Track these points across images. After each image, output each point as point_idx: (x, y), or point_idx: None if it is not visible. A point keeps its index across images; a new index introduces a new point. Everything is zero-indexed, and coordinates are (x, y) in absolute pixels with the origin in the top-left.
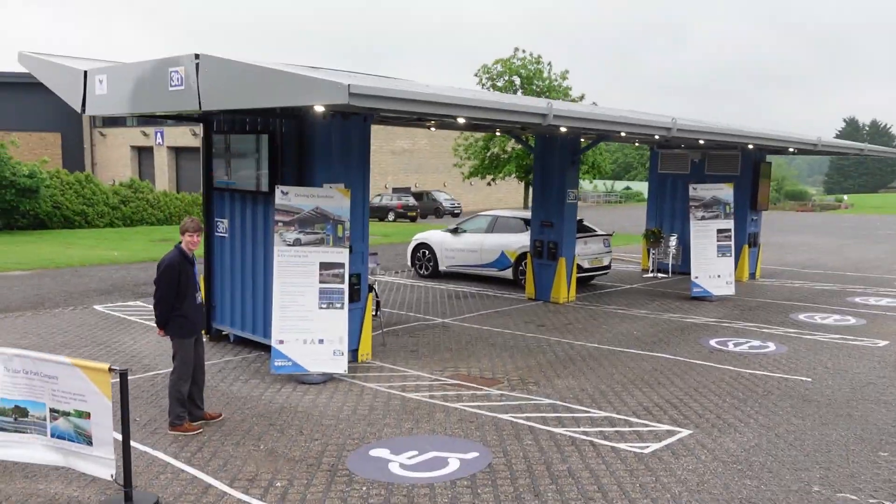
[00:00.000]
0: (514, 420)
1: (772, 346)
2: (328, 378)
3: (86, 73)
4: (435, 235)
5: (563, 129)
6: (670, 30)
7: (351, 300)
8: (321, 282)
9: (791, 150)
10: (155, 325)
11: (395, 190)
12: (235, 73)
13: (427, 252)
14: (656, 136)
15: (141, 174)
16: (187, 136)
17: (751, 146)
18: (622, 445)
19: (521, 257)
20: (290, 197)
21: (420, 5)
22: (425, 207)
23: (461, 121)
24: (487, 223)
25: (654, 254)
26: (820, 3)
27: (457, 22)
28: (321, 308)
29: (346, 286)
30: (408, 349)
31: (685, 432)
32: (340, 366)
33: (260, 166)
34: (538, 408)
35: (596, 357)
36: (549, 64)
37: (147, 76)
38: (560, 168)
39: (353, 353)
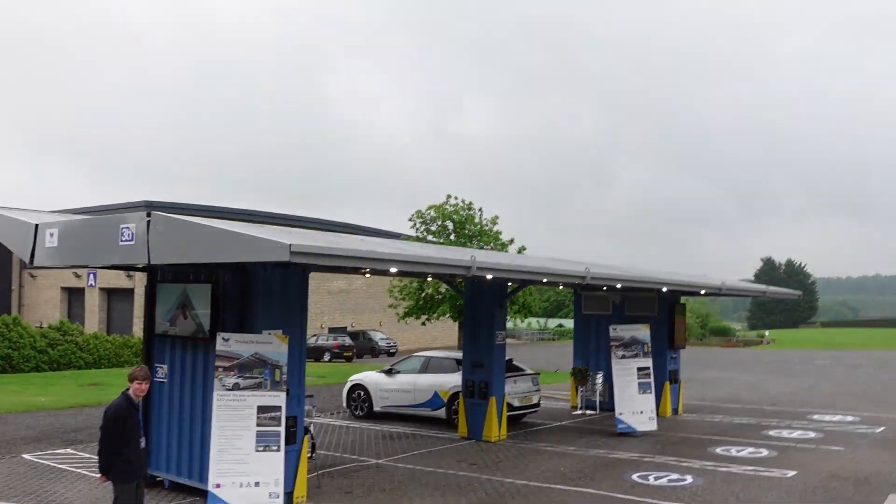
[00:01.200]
0: None
1: (689, 479)
2: None
3: (37, 226)
4: (370, 376)
5: (489, 277)
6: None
7: (287, 442)
8: (258, 425)
9: (701, 292)
10: (98, 470)
11: (331, 329)
12: (185, 230)
13: (362, 393)
14: (574, 282)
15: (71, 316)
16: (121, 277)
17: (664, 289)
18: None
19: (454, 397)
20: (231, 343)
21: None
22: (361, 347)
23: (393, 270)
24: (421, 363)
25: (581, 391)
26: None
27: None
28: (258, 451)
29: (282, 429)
30: (342, 490)
31: None
32: None
33: (201, 313)
34: None
35: (524, 494)
36: (480, 210)
37: (98, 231)
38: (489, 311)
39: (289, 495)
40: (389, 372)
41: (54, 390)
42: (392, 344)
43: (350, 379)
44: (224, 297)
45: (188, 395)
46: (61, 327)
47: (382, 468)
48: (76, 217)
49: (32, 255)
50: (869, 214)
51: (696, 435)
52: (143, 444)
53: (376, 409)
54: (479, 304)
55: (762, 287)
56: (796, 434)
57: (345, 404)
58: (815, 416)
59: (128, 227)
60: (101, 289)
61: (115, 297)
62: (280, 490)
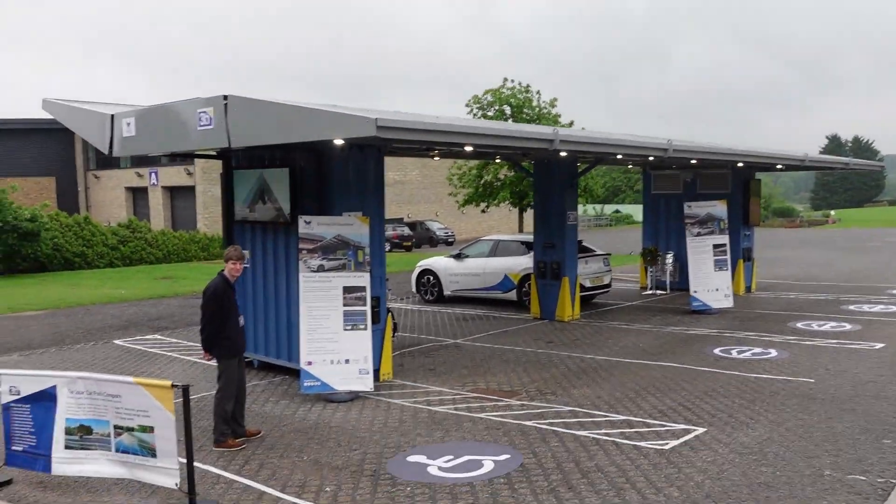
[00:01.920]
0: (538, 426)
1: (773, 353)
2: (355, 396)
3: (113, 116)
4: (439, 262)
5: (563, 154)
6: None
7: (372, 322)
8: (345, 305)
9: (779, 166)
10: (202, 348)
11: (388, 221)
12: (263, 111)
13: (431, 278)
14: (651, 157)
15: (136, 214)
16: (181, 175)
17: (741, 164)
18: (643, 444)
19: (524, 279)
20: (313, 226)
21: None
22: (419, 237)
23: (469, 149)
24: (489, 248)
25: (651, 272)
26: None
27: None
28: (346, 330)
29: (368, 308)
30: (426, 368)
31: (700, 430)
32: (367, 384)
33: (281, 198)
34: (559, 414)
35: (606, 368)
36: (538, 92)
37: (175, 117)
38: (559, 191)
39: (375, 372)
40: (458, 257)
41: (130, 283)
42: (450, 233)
43: (419, 265)
44: (301, 181)
45: (271, 279)
46: (130, 225)
47: (461, 347)
48: (150, 106)
49: (111, 146)
50: None
51: (774, 311)
52: (241, 321)
53: (446, 293)
54: (550, 185)
55: (844, 159)
56: (878, 308)
57: (414, 289)
58: (894, 291)
59: (205, 112)
60: (163, 187)
61: (178, 195)
62: (369, 367)
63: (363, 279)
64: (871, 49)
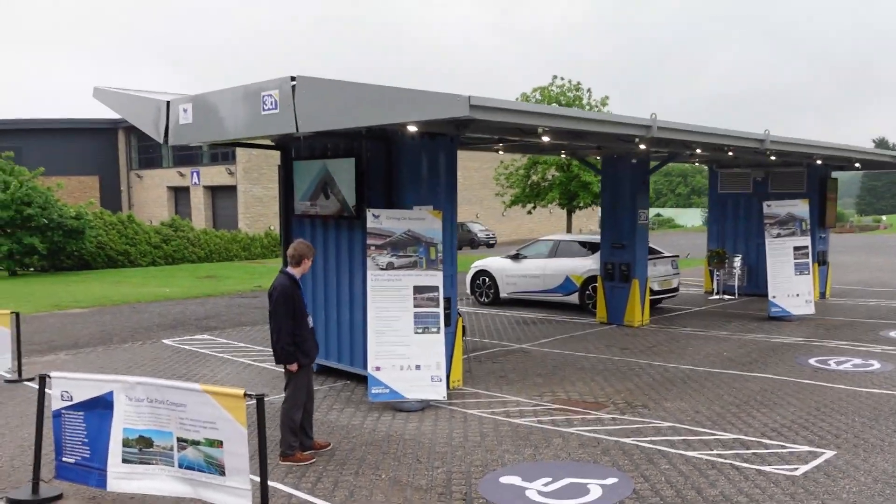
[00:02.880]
0: (639, 444)
1: (876, 364)
2: (426, 405)
3: (168, 103)
4: (495, 262)
5: (641, 147)
6: (681, 61)
7: (445, 324)
8: (416, 306)
9: (857, 164)
10: (279, 361)
11: None
12: (335, 92)
13: (487, 279)
14: (746, 147)
15: (178, 213)
16: (223, 175)
17: (819, 161)
18: (768, 468)
19: (588, 281)
20: (382, 220)
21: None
22: (460, 239)
23: (546, 139)
24: (549, 248)
25: (718, 275)
26: (836, 30)
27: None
28: (417, 333)
29: (441, 310)
30: (496, 374)
31: (829, 453)
32: (439, 392)
33: (345, 191)
34: (659, 431)
35: (695, 379)
36: (589, 90)
37: (236, 102)
38: (630, 189)
39: (445, 379)
40: (516, 257)
41: (174, 282)
42: (491, 235)
43: (474, 265)
44: (368, 172)
45: (333, 277)
46: (172, 224)
47: (528, 353)
48: (208, 91)
49: (166, 134)
50: None
51: (858, 319)
52: (310, 322)
53: (502, 295)
54: (620, 182)
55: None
56: None
57: (469, 291)
58: None
59: (270, 95)
60: (204, 187)
61: (219, 195)
62: (442, 373)
63: (436, 278)
64: None
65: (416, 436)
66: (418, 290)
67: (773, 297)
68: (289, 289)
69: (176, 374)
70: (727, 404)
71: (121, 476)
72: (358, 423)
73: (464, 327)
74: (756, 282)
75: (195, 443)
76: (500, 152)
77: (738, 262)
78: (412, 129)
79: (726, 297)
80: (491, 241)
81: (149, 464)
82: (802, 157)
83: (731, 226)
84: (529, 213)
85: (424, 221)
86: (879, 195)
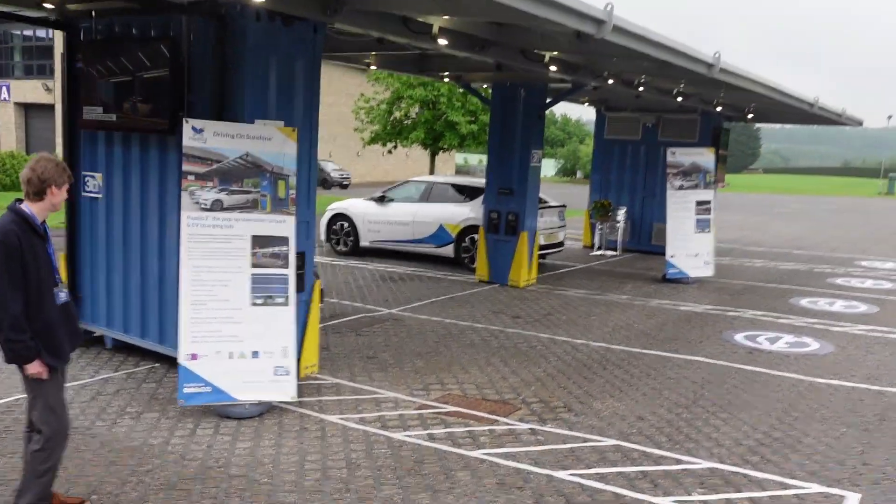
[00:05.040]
0: (585, 482)
1: (813, 344)
2: (266, 409)
3: None
4: (356, 205)
5: (552, 69)
6: None
7: (295, 290)
8: (255, 265)
9: (750, 115)
10: (7, 360)
11: None
12: None
13: (346, 224)
14: (692, 71)
15: None
16: (39, 91)
17: (719, 108)
18: None
19: (465, 232)
20: (207, 137)
21: None
22: None
23: (444, 42)
24: (421, 191)
25: (600, 229)
26: None
27: None
28: (255, 304)
29: (292, 270)
30: (363, 354)
31: (852, 497)
32: (286, 390)
33: (156, 92)
34: (602, 455)
35: (615, 363)
36: None
37: None
38: (524, 124)
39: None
40: (381, 200)
41: None
42: (345, 175)
43: (330, 208)
44: (190, 65)
45: (137, 218)
46: None
47: (401, 321)
48: None
49: None
50: (811, 66)
51: (756, 282)
52: (62, 296)
53: (363, 243)
54: (512, 115)
55: (811, 100)
56: (869, 283)
57: (323, 237)
58: (866, 264)
59: None
60: (16, 104)
61: (34, 114)
62: (291, 363)
63: (285, 225)
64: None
65: (249, 467)
66: (259, 241)
67: (672, 256)
68: (13, 238)
69: None
70: (673, 406)
71: None
72: (160, 441)
73: (322, 291)
74: (639, 237)
75: None
76: (372, 67)
77: (622, 215)
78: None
79: (608, 253)
80: (345, 182)
81: None
82: (737, 100)
83: (617, 175)
84: (390, 152)
85: (271, 142)
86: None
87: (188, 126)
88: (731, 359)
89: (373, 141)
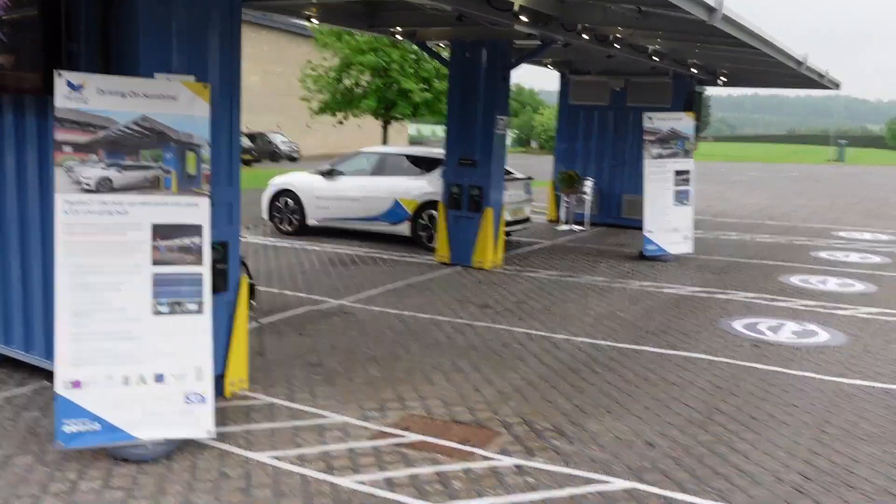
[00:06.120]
0: None
1: (822, 333)
2: (175, 446)
3: None
4: (302, 179)
5: (522, 19)
6: None
7: (214, 289)
8: (157, 261)
9: (722, 79)
10: None
11: None
12: None
13: (291, 201)
14: (692, 18)
15: None
16: None
17: (694, 71)
18: None
19: (422, 207)
20: (88, 95)
21: None
22: (260, 150)
23: None
24: (373, 164)
25: (567, 202)
26: None
27: None
28: (159, 313)
29: (205, 267)
30: (305, 360)
31: None
32: (202, 424)
33: (23, 38)
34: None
35: (605, 364)
36: None
37: None
38: (487, 86)
39: (218, 380)
40: (329, 174)
41: None
42: (295, 148)
43: (273, 183)
44: (69, 6)
45: (14, 204)
46: None
47: (353, 314)
48: None
49: None
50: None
51: (740, 259)
52: None
53: (310, 221)
54: (473, 76)
55: (800, 57)
56: (854, 257)
57: (266, 216)
58: (844, 234)
59: None
60: None
61: None
62: (206, 388)
63: (197, 211)
64: None
65: None
66: (163, 231)
67: (649, 231)
68: None
69: None
70: (686, 424)
71: None
72: (31, 493)
73: (252, 287)
74: (608, 210)
75: None
76: (314, 22)
77: (589, 186)
78: None
79: (576, 227)
80: (294, 155)
81: None
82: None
83: (583, 145)
84: (341, 122)
85: (176, 103)
86: None
87: (61, 81)
88: (737, 354)
89: (321, 111)
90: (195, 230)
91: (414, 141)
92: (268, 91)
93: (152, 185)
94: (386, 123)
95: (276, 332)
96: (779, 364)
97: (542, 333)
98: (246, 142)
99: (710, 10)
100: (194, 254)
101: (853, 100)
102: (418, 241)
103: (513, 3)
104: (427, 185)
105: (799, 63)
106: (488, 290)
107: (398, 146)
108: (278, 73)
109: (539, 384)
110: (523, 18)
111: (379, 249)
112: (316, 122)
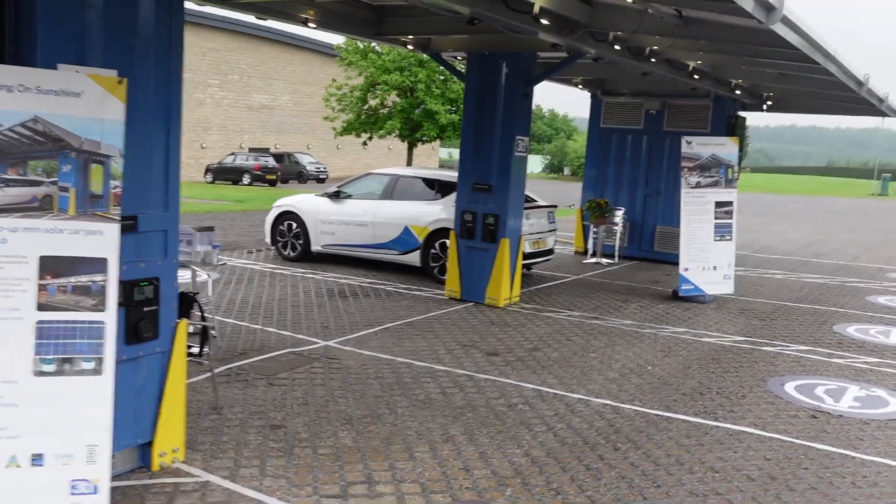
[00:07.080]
0: None
1: (892, 401)
2: None
3: None
4: (306, 202)
5: (544, 23)
6: None
7: (137, 338)
8: (44, 307)
9: (768, 103)
10: None
11: (251, 150)
12: None
13: (294, 225)
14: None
15: None
16: None
17: (738, 93)
18: None
19: (435, 236)
20: None
21: None
22: (287, 171)
23: None
24: (384, 186)
25: (595, 233)
26: None
27: None
28: (41, 373)
29: (111, 315)
30: (266, 420)
31: None
32: None
33: None
34: None
35: (629, 437)
36: None
37: None
38: (506, 104)
39: (144, 449)
40: (336, 196)
41: None
42: (322, 169)
43: (276, 204)
44: None
45: None
46: None
47: (337, 360)
48: None
49: None
50: None
51: (787, 302)
52: None
53: (315, 247)
54: (491, 92)
55: (861, 78)
56: None
57: (268, 239)
58: None
59: None
60: None
61: None
62: (102, 473)
63: (101, 240)
64: None
65: None
66: (53, 266)
67: (686, 269)
68: None
69: None
70: None
71: None
72: None
73: (208, 332)
74: (639, 243)
75: None
76: (311, 26)
77: (619, 217)
78: None
79: (604, 260)
80: (322, 176)
81: None
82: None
83: (615, 170)
84: (365, 143)
85: (80, 101)
86: None
87: None
88: (792, 428)
89: (345, 131)
90: (98, 265)
91: (444, 165)
92: (299, 112)
93: (42, 207)
94: (411, 145)
95: (242, 381)
96: (845, 444)
97: (556, 392)
98: (272, 162)
99: (770, 7)
100: (95, 296)
101: (895, 133)
102: (429, 272)
103: (532, 4)
104: (441, 212)
105: (860, 84)
106: (499, 334)
107: (412, 167)
108: (309, 93)
109: (546, 463)
110: (545, 22)
111: (385, 280)
112: (345, 143)
